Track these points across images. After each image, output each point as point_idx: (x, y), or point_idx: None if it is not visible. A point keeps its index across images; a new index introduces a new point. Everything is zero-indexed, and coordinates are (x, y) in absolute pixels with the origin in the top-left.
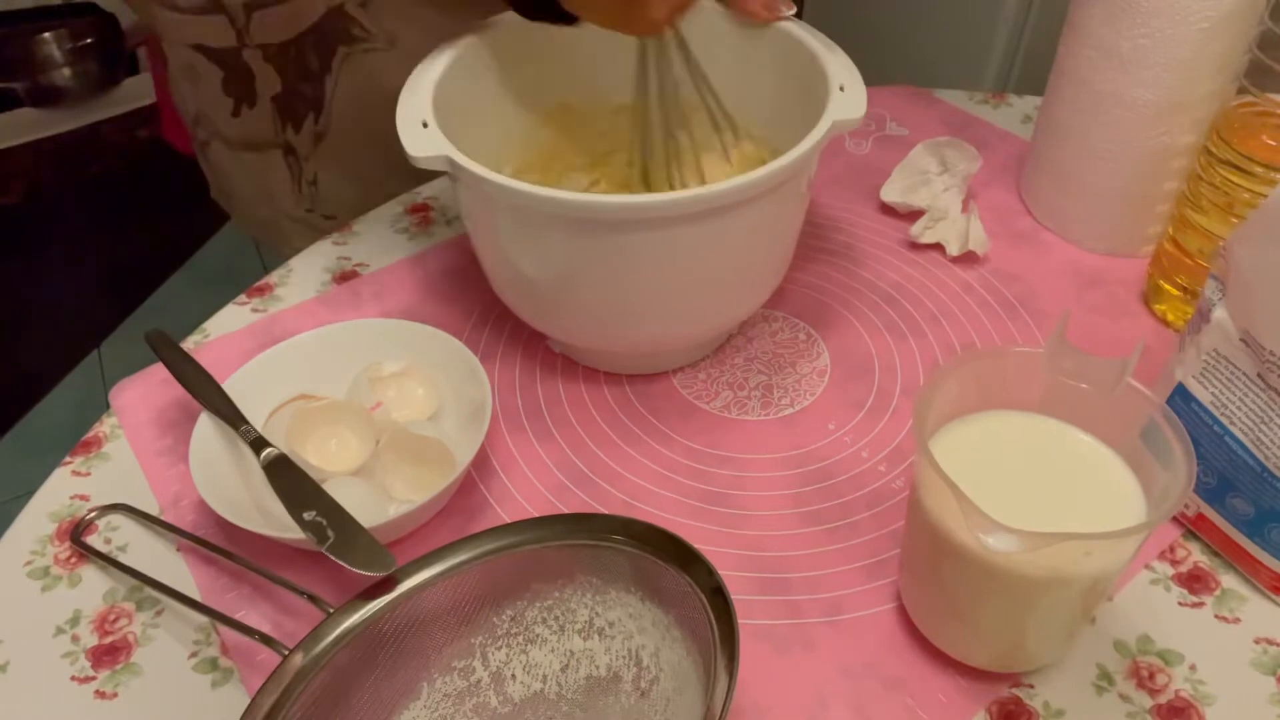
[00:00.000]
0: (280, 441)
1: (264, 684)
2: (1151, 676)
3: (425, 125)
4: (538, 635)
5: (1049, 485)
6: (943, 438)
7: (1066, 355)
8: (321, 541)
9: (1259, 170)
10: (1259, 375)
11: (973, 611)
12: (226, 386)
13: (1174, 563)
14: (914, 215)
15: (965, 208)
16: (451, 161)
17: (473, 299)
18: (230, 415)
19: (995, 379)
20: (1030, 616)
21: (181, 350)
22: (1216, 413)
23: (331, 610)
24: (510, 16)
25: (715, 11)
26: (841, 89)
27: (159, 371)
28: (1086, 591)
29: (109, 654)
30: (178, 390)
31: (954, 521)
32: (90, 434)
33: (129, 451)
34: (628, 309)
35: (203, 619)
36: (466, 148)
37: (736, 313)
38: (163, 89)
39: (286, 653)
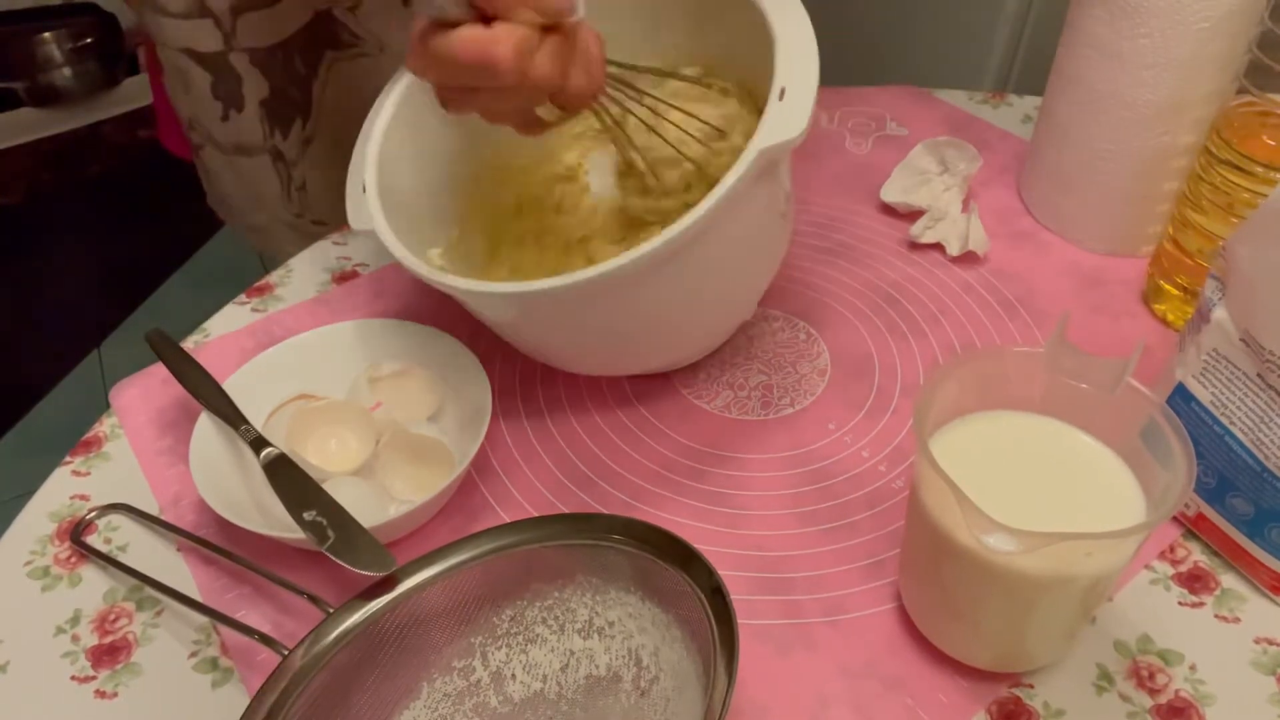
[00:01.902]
0: (280, 441)
1: (264, 684)
2: (1151, 676)
3: (364, 190)
4: (538, 635)
5: (1049, 485)
6: (943, 438)
7: (1066, 355)
8: (321, 541)
9: (1259, 170)
10: (1259, 375)
11: (973, 611)
12: (226, 386)
13: (1174, 563)
14: (914, 215)
15: (965, 208)
16: (377, 237)
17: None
18: (230, 415)
19: (995, 379)
20: (1030, 616)
21: (181, 350)
22: (1216, 413)
23: (331, 610)
24: None
25: None
26: (781, 96)
27: (159, 371)
28: (1086, 591)
29: (109, 654)
30: (178, 390)
31: (954, 521)
32: (90, 434)
33: (129, 451)
34: (605, 352)
35: (203, 619)
36: (425, 188)
37: (728, 326)
38: (160, 93)
39: (286, 653)
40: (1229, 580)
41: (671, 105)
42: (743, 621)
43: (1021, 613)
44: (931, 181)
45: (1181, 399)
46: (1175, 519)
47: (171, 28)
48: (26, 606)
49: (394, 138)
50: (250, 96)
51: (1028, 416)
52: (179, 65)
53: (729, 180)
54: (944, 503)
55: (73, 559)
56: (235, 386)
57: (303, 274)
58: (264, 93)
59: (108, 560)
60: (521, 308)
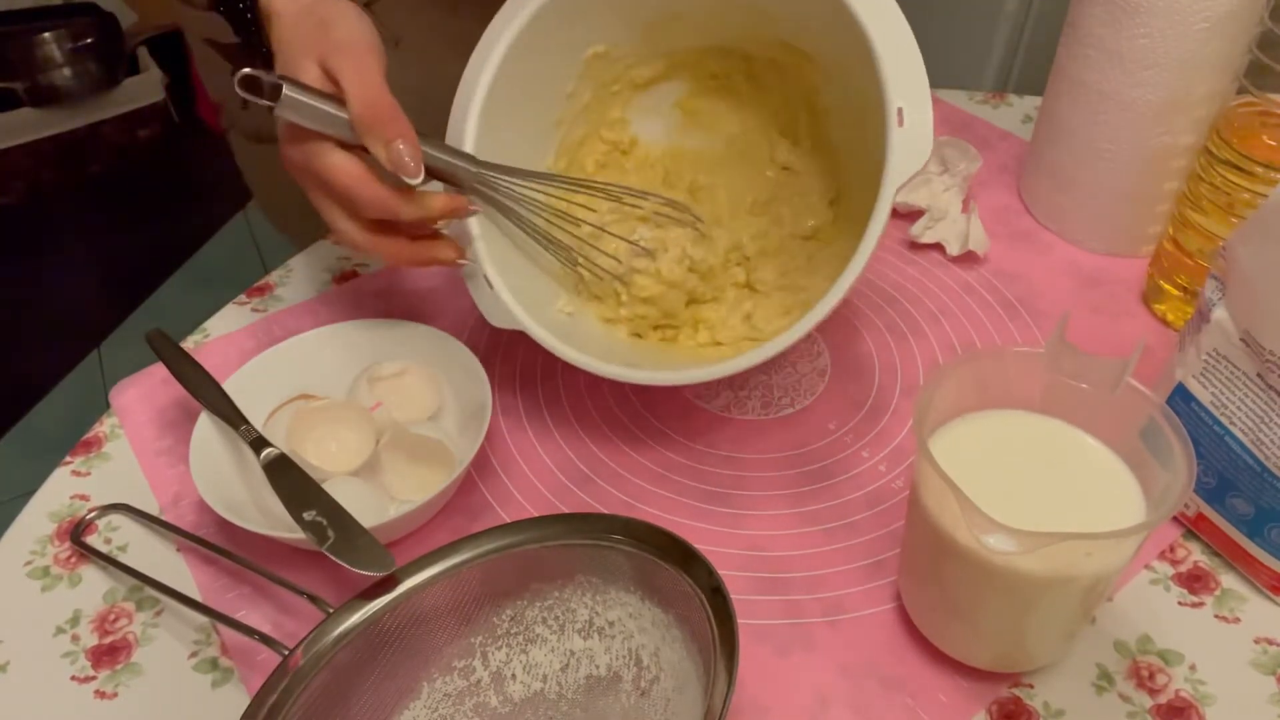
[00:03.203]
0: (280, 441)
1: (264, 684)
2: (1151, 676)
3: (490, 285)
4: (538, 635)
5: (1049, 485)
6: (943, 437)
7: (1066, 355)
8: (321, 541)
9: (1259, 170)
10: (1259, 375)
11: (972, 611)
12: (226, 386)
13: (1174, 563)
14: (914, 215)
15: (965, 208)
16: (520, 323)
17: (473, 299)
18: (230, 415)
19: (995, 379)
20: (1030, 616)
21: (181, 350)
22: (1216, 413)
23: (331, 610)
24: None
25: None
26: (900, 120)
27: (159, 371)
28: (1086, 591)
29: (109, 654)
30: (178, 390)
31: (954, 521)
32: (90, 434)
33: (129, 451)
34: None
35: (203, 619)
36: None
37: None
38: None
39: (286, 653)
40: (1229, 580)
41: (603, 230)
42: (743, 621)
43: (1021, 613)
44: (931, 181)
45: (1181, 399)
46: (1175, 519)
47: (194, 18)
48: (26, 606)
49: (488, 231)
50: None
51: (1028, 416)
52: (204, 54)
53: (875, 227)
54: (944, 503)
55: (73, 559)
56: (235, 386)
57: (303, 274)
58: None
59: (108, 560)
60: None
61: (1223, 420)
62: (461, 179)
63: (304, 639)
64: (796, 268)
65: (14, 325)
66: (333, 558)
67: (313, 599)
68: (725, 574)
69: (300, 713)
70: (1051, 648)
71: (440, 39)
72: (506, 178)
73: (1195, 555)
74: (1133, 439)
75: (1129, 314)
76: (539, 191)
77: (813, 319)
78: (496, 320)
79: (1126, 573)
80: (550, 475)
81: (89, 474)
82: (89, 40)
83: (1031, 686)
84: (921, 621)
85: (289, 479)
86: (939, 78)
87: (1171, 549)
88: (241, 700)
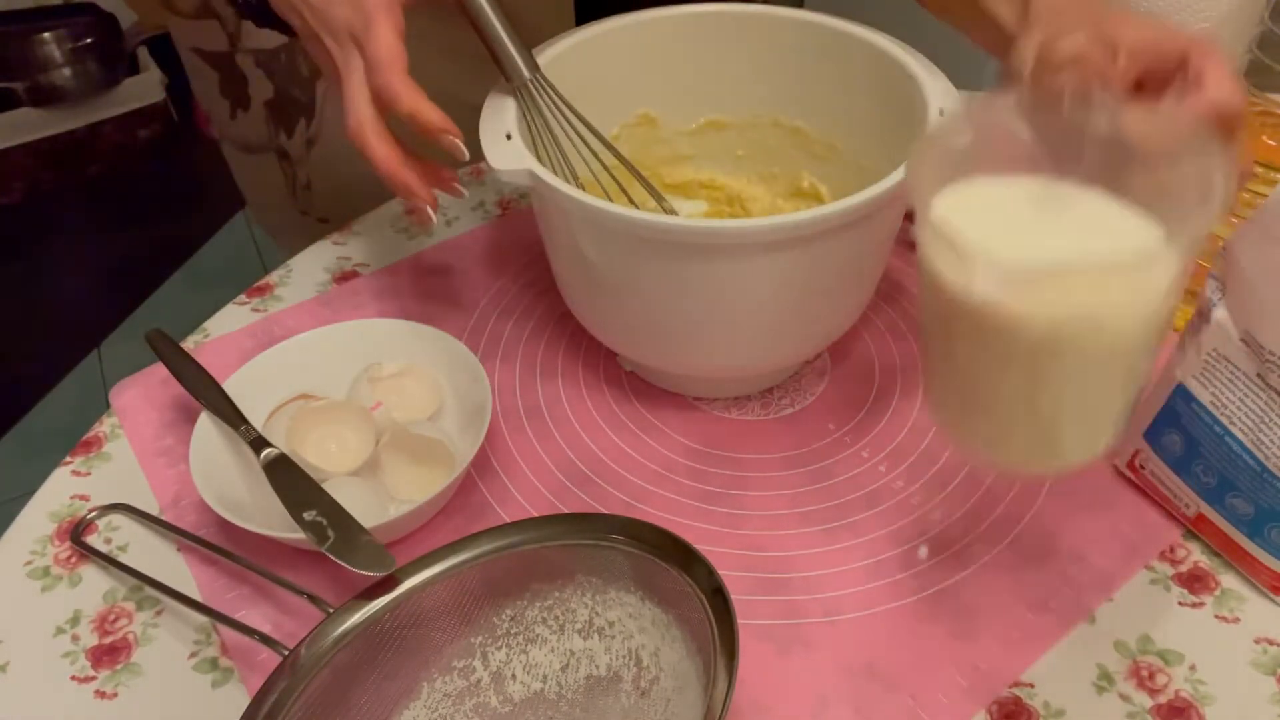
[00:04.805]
0: (280, 441)
1: (264, 684)
2: (1151, 676)
3: (509, 138)
4: (538, 635)
5: (1062, 242)
6: (942, 201)
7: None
8: (321, 541)
9: (1259, 170)
10: (1259, 375)
11: (988, 394)
12: (226, 386)
13: (1174, 563)
14: (914, 215)
15: None
16: (532, 174)
17: (473, 299)
18: (230, 415)
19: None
20: (1047, 391)
21: (181, 350)
22: (1217, 413)
23: (331, 610)
24: (583, 32)
25: (813, 25)
26: (941, 113)
27: (159, 371)
28: (1106, 361)
29: (109, 654)
30: (178, 390)
31: (952, 276)
32: (90, 434)
33: (129, 451)
34: (702, 332)
35: (203, 619)
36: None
37: (807, 346)
38: None
39: (286, 653)
40: (1229, 580)
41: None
42: (743, 621)
43: (1035, 388)
44: None
45: (1181, 399)
46: (1175, 519)
47: (181, 27)
48: (26, 606)
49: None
50: (255, 96)
51: (1035, 179)
52: (192, 63)
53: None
54: (942, 264)
55: (73, 559)
56: (235, 386)
57: (303, 274)
58: (268, 93)
59: (108, 560)
60: (673, 250)
61: (1223, 420)
62: (511, 74)
63: (304, 639)
64: None
65: (14, 325)
66: (333, 558)
67: (313, 599)
68: (725, 574)
69: (300, 713)
70: (1082, 435)
71: (430, 47)
72: (555, 95)
73: (1195, 555)
74: (1165, 196)
75: None
76: (581, 124)
77: (879, 188)
78: (499, 163)
79: (1127, 573)
80: (550, 475)
81: (89, 474)
82: (89, 40)
83: (1032, 686)
84: (953, 428)
85: (289, 479)
86: None
87: (1171, 549)
88: (241, 700)
